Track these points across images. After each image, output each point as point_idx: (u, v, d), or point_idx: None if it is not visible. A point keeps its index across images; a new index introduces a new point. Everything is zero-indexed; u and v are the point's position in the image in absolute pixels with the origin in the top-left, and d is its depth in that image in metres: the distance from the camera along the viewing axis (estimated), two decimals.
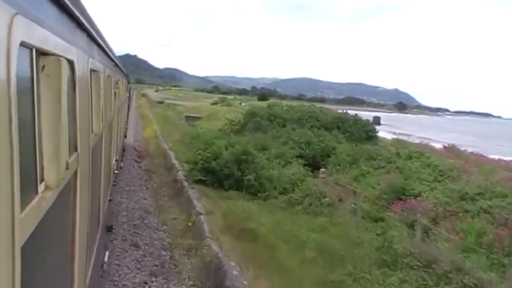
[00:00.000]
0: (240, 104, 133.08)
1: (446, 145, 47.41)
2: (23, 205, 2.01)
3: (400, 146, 43.33)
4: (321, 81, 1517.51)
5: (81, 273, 4.26)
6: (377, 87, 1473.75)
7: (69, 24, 3.51)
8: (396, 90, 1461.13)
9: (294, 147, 37.76)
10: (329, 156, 37.51)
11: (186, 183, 22.86)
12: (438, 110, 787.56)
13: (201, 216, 17.43)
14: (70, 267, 3.86)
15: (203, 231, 16.01)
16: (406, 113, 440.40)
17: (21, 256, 1.92)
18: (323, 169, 30.48)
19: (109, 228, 10.79)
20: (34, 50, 2.34)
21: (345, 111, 59.02)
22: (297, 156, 34.52)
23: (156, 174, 26.74)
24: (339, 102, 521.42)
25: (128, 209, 18.86)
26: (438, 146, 48.84)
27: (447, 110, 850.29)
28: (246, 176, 23.85)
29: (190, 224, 17.19)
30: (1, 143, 1.70)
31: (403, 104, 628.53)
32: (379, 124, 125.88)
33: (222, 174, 23.96)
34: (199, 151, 25.70)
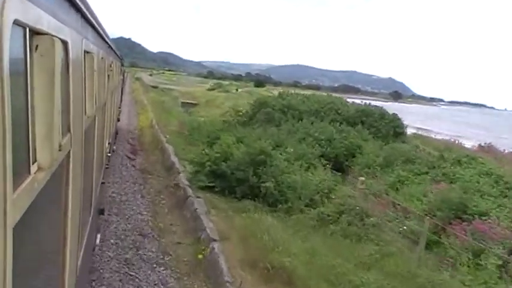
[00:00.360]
0: (237, 90, 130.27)
1: (483, 144, 42.77)
2: (15, 185, 2.00)
3: (424, 142, 39.80)
4: (315, 68, 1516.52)
5: (72, 255, 4.26)
6: (371, 75, 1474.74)
7: (64, 4, 3.47)
8: (391, 79, 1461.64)
9: (313, 144, 32.85)
10: (354, 156, 33.80)
11: (190, 190, 18.89)
12: (432, 99, 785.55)
13: (215, 245, 13.32)
14: (62, 248, 3.85)
15: (219, 271, 11.93)
16: (402, 102, 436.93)
17: (12, 236, 1.91)
18: (362, 178, 24.40)
19: (101, 211, 10.78)
20: (28, 29, 2.31)
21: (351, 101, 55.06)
22: (320, 156, 29.39)
23: (152, 176, 22.26)
24: (334, 90, 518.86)
25: (117, 233, 14.58)
26: (468, 144, 44.10)
27: (442, 100, 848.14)
28: (263, 182, 20.23)
29: (200, 256, 13.19)
30: None
31: (398, 93, 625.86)
32: None
33: (233, 179, 20.28)
34: (205, 150, 22.16)
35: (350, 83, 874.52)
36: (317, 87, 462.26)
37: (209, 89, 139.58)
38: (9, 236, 1.87)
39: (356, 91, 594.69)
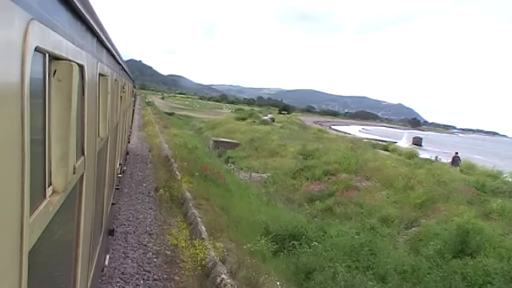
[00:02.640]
0: (273, 121, 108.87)
1: None
2: (32, 210, 2.02)
3: None
4: (325, 93, 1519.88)
5: (83, 276, 4.26)
6: (381, 101, 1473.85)
7: (80, 29, 3.53)
8: (400, 105, 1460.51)
9: None
10: None
11: None
12: (446, 126, 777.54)
13: None
14: (73, 270, 3.86)
15: None
16: (419, 130, 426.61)
17: (28, 261, 1.92)
18: None
19: (111, 232, 10.78)
20: (47, 55, 2.35)
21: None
22: None
23: None
24: (352, 116, 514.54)
25: None
26: None
27: (454, 127, 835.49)
28: None
29: None
30: (13, 147, 1.72)
31: (416, 120, 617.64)
32: (420, 145, 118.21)
33: None
34: None
35: (360, 108, 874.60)
36: (334, 114, 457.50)
37: (239, 118, 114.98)
38: (25, 261, 1.88)
39: (374, 118, 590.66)
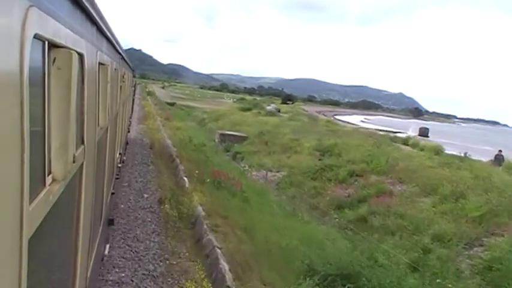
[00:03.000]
0: (279, 111, 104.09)
1: None
2: (31, 198, 2.02)
3: None
4: (325, 82, 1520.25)
5: (83, 265, 4.28)
6: (381, 90, 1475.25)
7: (80, 17, 3.51)
8: (401, 94, 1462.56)
9: None
10: None
11: None
12: (447, 116, 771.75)
13: None
14: (73, 259, 3.88)
15: None
16: (422, 119, 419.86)
17: (28, 248, 1.93)
18: None
19: (110, 222, 10.80)
20: (46, 43, 2.34)
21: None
22: None
23: None
24: (353, 106, 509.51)
25: None
26: None
27: (455, 117, 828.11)
28: None
29: None
30: (12, 135, 1.71)
31: (418, 110, 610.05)
32: (427, 136, 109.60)
33: None
34: None
35: (360, 98, 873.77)
36: (336, 103, 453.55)
37: (243, 108, 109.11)
38: (24, 247, 1.88)
39: (376, 108, 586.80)
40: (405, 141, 59.55)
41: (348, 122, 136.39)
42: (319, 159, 44.83)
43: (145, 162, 25.27)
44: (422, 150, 49.72)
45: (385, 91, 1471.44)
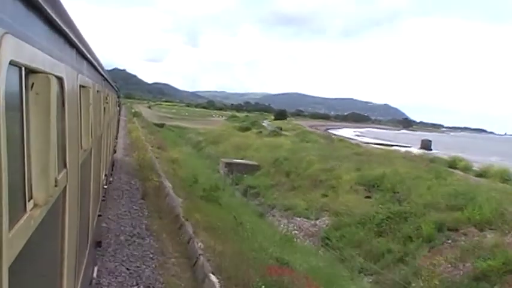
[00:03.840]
0: (281, 129, 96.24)
1: None
2: (11, 224, 2.01)
3: None
4: (311, 96, 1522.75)
5: None
6: (367, 102, 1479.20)
7: (58, 41, 3.52)
8: (386, 105, 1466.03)
9: None
10: None
11: None
12: (434, 125, 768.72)
13: None
14: (59, 284, 3.83)
15: None
16: (412, 130, 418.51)
17: (8, 275, 1.91)
18: None
19: (98, 244, 10.73)
20: (23, 68, 2.34)
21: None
22: None
23: None
24: (343, 119, 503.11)
25: None
26: None
27: (442, 126, 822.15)
28: None
29: None
30: None
31: (407, 120, 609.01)
32: (430, 149, 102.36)
33: None
34: None
35: (346, 110, 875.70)
36: (326, 116, 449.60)
37: (241, 128, 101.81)
38: (4, 275, 1.87)
39: (365, 120, 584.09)
40: (451, 164, 49.40)
41: (346, 137, 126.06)
42: (367, 197, 35.93)
43: (137, 233, 16.73)
44: (483, 175, 41.48)
45: (370, 103, 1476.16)
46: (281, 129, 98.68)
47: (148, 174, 26.23)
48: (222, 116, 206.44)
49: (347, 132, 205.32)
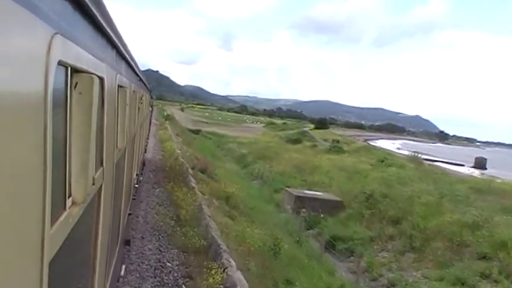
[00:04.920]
0: (338, 142, 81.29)
1: None
2: (53, 220, 2.04)
3: None
4: (341, 104, 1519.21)
5: (100, 286, 4.28)
6: (398, 113, 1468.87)
7: (101, 42, 3.58)
8: (418, 116, 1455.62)
9: None
10: None
11: None
12: (467, 139, 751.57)
13: None
14: (90, 280, 3.89)
15: None
16: (448, 144, 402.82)
17: (48, 272, 1.94)
18: None
19: (127, 242, 10.82)
20: (69, 68, 2.39)
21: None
22: None
23: None
24: (378, 129, 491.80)
25: None
26: None
27: (475, 140, 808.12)
28: None
29: None
30: (36, 158, 1.74)
31: (444, 133, 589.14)
32: (484, 168, 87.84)
33: None
34: None
35: (377, 120, 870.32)
36: (359, 126, 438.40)
37: (289, 140, 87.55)
38: (45, 271, 1.90)
39: (401, 131, 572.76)
40: None
41: (389, 150, 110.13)
42: None
43: None
44: None
45: (401, 113, 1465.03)
46: (338, 141, 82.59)
47: (201, 259, 14.58)
48: (258, 123, 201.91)
49: (385, 144, 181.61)
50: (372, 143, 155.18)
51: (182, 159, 33.88)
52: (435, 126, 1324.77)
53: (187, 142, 54.92)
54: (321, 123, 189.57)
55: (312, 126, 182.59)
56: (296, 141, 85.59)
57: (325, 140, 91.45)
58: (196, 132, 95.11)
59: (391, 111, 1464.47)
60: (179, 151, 38.93)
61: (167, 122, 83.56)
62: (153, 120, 52.95)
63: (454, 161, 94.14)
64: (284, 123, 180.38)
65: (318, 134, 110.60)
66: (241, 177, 50.02)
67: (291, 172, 54.25)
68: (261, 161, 62.41)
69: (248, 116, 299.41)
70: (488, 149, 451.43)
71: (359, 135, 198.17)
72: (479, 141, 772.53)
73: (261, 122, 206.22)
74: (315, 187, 45.12)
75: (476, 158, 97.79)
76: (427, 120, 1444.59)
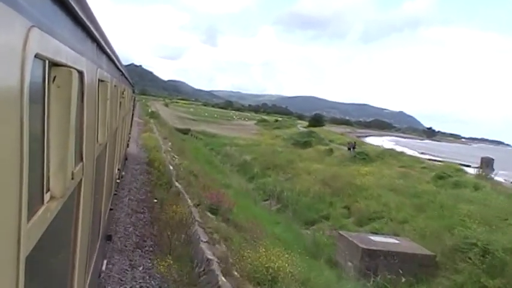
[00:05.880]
0: (353, 147, 66.66)
1: None
2: (30, 215, 2.03)
3: None
4: (326, 100, 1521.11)
5: (80, 281, 4.27)
6: (383, 109, 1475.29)
7: (81, 35, 3.55)
8: (401, 112, 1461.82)
9: None
10: None
11: None
12: (452, 135, 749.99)
13: None
14: (70, 276, 3.88)
15: None
16: (436, 140, 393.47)
17: (25, 267, 1.93)
18: None
19: (108, 237, 10.78)
20: (47, 61, 2.38)
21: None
22: None
23: None
24: (366, 125, 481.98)
25: None
26: None
27: (460, 136, 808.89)
28: None
29: None
30: (12, 153, 1.73)
31: (431, 130, 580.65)
32: (492, 169, 70.90)
33: None
34: None
35: (362, 117, 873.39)
36: (346, 122, 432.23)
37: (297, 143, 77.05)
38: (21, 266, 1.89)
39: (389, 128, 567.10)
40: None
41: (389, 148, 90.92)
42: None
43: None
44: None
45: (386, 109, 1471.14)
46: (354, 147, 67.72)
47: None
48: (247, 119, 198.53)
49: (375, 140, 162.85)
50: (365, 139, 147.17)
51: (179, 185, 23.36)
52: (419, 122, 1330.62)
53: (178, 148, 44.17)
54: (316, 121, 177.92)
55: (305, 123, 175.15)
56: (306, 144, 74.84)
57: (331, 141, 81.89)
58: (185, 132, 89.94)
59: (376, 107, 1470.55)
60: (172, 167, 28.81)
61: (152, 120, 74.04)
62: (135, 119, 46.63)
63: (459, 161, 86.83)
64: (276, 120, 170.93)
65: (321, 133, 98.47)
66: (250, 197, 39.99)
67: (319, 192, 42.35)
68: (271, 171, 52.89)
69: (234, 111, 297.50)
70: (474, 145, 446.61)
71: (349, 132, 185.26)
72: (463, 137, 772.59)
73: (249, 119, 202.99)
74: (369, 220, 34.95)
75: (482, 158, 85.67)
76: (410, 116, 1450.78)
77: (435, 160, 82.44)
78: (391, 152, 67.93)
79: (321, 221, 35.63)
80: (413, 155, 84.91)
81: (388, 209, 35.65)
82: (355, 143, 72.31)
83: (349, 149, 68.00)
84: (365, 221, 35.16)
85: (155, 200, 20.78)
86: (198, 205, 19.69)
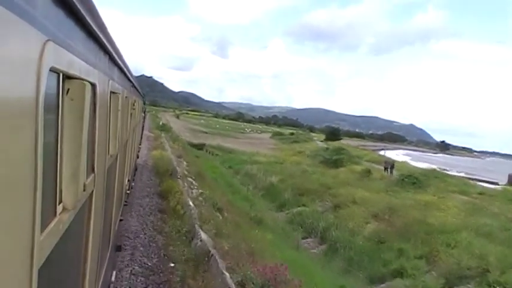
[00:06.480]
0: (391, 167, 60.82)
1: None
2: (43, 227, 2.05)
3: None
4: (336, 112, 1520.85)
5: None
6: (392, 121, 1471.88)
7: (93, 47, 3.58)
8: (412, 125, 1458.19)
9: None
10: None
11: None
12: (464, 149, 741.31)
13: None
14: (81, 286, 3.88)
15: None
16: (450, 154, 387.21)
17: (38, 278, 1.94)
18: None
19: (118, 248, 10.80)
20: (61, 74, 2.41)
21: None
22: None
23: None
24: (379, 138, 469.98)
25: None
26: None
27: (471, 150, 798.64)
28: None
29: None
30: (27, 164, 1.75)
31: (445, 144, 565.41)
32: None
33: None
34: None
35: (372, 129, 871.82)
36: (358, 135, 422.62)
37: (325, 161, 70.21)
38: (34, 278, 1.90)
39: (402, 141, 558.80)
40: None
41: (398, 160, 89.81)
42: None
43: None
44: None
45: (396, 122, 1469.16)
46: (393, 167, 61.39)
47: None
48: (260, 132, 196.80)
49: (389, 154, 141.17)
50: (381, 152, 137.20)
51: (205, 237, 15.11)
52: (429, 135, 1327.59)
53: (195, 171, 36.29)
54: (333, 134, 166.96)
55: (317, 135, 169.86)
56: (336, 162, 66.92)
57: (359, 158, 74.13)
58: (200, 147, 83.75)
59: (386, 120, 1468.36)
60: (191, 202, 20.69)
61: (163, 134, 65.05)
62: (145, 132, 43.27)
63: (486, 179, 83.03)
64: (292, 133, 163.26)
65: (349, 148, 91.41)
66: (288, 235, 32.55)
67: (378, 232, 33.91)
68: (305, 198, 44.70)
69: (245, 123, 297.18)
70: (487, 159, 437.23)
71: (362, 145, 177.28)
72: (475, 151, 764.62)
73: (262, 131, 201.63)
74: (460, 279, 27.08)
75: (510, 176, 79.91)
76: (421, 129, 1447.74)
77: (476, 179, 77.12)
78: (435, 174, 60.25)
79: (393, 276, 27.71)
80: (455, 174, 78.90)
81: (486, 263, 27.19)
82: (393, 162, 65.54)
83: (385, 168, 61.85)
84: (455, 281, 27.09)
85: (171, 265, 13.46)
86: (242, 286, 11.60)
